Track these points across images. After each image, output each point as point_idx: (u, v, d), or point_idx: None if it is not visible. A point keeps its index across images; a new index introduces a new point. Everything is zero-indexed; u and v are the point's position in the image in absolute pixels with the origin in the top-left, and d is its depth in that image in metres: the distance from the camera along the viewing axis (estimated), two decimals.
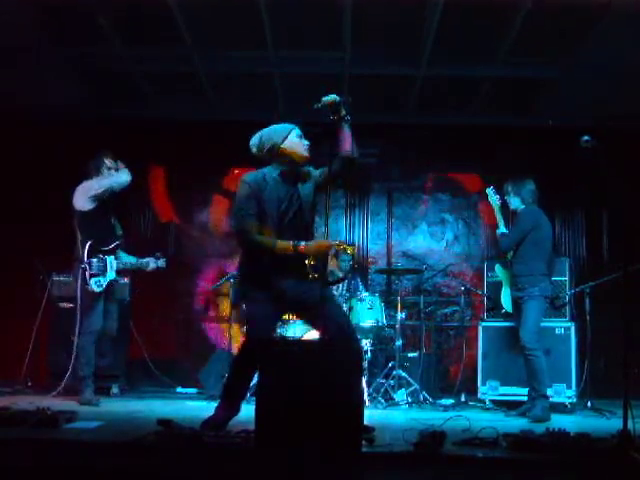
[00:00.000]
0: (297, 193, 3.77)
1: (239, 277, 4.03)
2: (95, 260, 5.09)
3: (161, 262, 5.50)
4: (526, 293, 5.15)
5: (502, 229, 5.45)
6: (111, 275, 5.20)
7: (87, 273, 5.03)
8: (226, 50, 6.19)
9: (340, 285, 6.70)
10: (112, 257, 5.23)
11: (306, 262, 3.58)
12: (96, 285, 5.06)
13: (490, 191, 5.61)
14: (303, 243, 3.60)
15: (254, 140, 3.83)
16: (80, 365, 5.09)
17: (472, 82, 6.76)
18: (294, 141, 3.76)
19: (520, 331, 5.12)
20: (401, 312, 6.08)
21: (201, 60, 6.41)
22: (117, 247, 5.31)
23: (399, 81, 6.75)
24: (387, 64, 6.44)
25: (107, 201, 5.25)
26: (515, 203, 5.38)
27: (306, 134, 3.81)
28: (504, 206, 5.52)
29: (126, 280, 6.38)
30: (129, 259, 5.43)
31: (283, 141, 3.75)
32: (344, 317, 4.01)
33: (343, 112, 3.68)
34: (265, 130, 3.82)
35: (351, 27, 5.75)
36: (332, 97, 3.64)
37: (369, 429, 3.50)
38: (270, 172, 3.76)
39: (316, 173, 3.87)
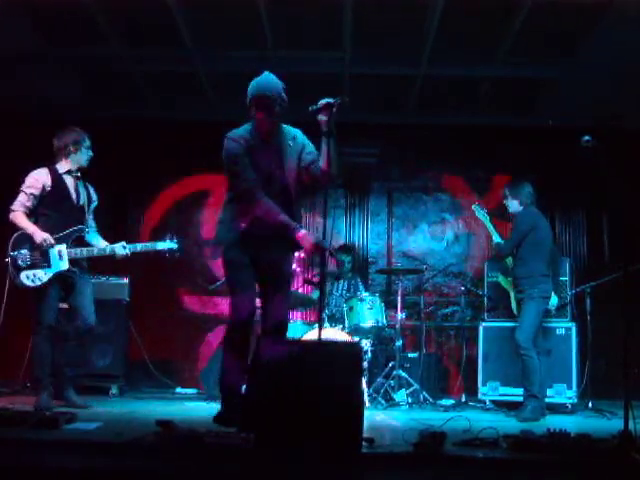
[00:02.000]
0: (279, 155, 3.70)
1: (223, 228, 3.81)
2: (25, 251, 4.53)
3: (170, 243, 4.84)
4: (525, 294, 5.17)
5: (497, 239, 5.47)
6: (58, 266, 4.55)
7: (10, 267, 4.51)
8: (226, 50, 6.19)
9: (340, 285, 6.70)
10: (63, 245, 4.57)
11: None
12: (28, 279, 4.50)
13: (477, 207, 5.75)
14: (304, 231, 3.55)
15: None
16: (34, 365, 4.68)
17: (472, 82, 6.77)
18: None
19: (516, 330, 5.14)
20: (401, 312, 6.08)
21: (201, 60, 6.41)
22: (73, 235, 4.65)
23: (399, 81, 6.75)
24: (387, 64, 6.43)
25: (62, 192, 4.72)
26: (513, 206, 5.39)
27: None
28: (504, 213, 5.55)
29: (125, 280, 6.37)
30: (132, 245, 4.84)
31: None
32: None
33: (331, 124, 3.59)
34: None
35: (351, 27, 5.75)
36: (327, 100, 3.61)
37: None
38: (252, 128, 3.68)
39: (309, 146, 3.77)
